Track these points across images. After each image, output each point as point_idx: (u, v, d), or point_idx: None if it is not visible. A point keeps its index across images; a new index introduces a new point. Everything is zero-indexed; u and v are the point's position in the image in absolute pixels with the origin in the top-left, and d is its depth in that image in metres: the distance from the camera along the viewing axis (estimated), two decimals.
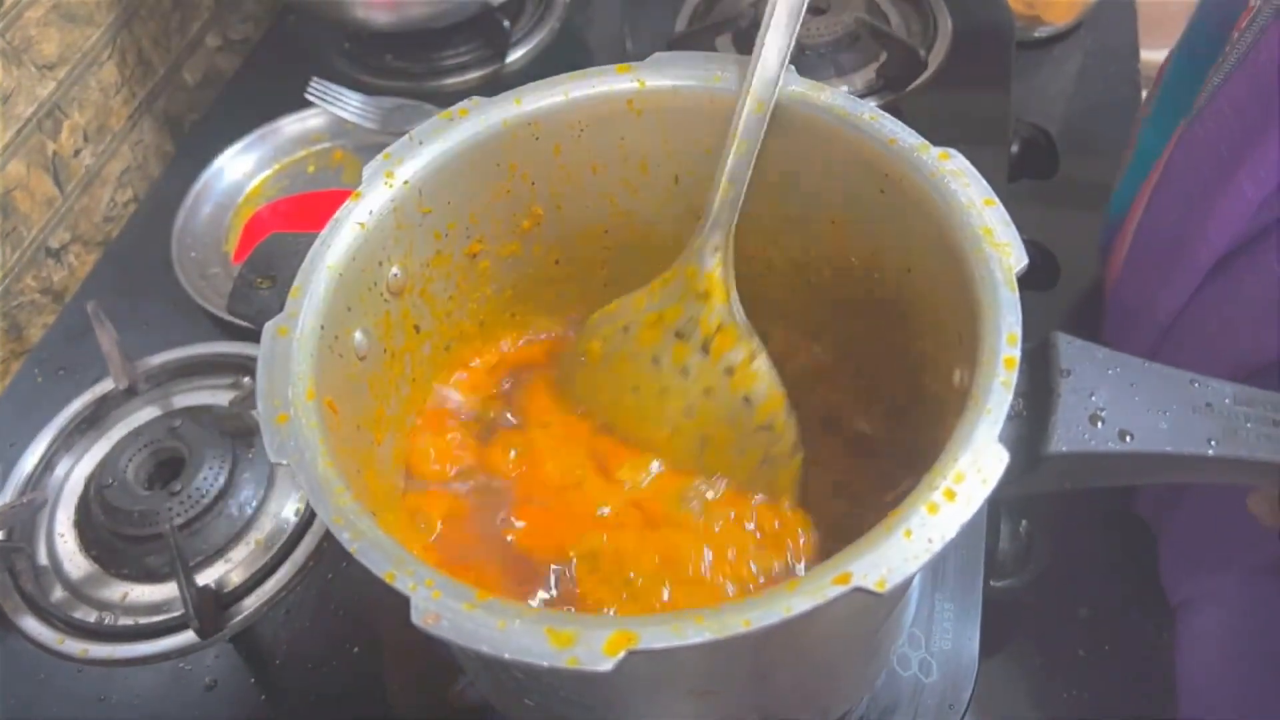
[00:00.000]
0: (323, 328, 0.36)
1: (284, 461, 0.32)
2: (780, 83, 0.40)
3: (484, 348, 0.49)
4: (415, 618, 0.27)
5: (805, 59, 0.76)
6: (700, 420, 0.42)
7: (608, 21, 0.90)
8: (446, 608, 0.27)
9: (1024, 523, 0.54)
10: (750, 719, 0.40)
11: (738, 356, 0.41)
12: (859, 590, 0.27)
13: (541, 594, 0.41)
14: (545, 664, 0.26)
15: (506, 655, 0.26)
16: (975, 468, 0.30)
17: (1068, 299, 0.68)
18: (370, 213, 0.40)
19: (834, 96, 0.40)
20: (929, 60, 0.76)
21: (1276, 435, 0.32)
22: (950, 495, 0.29)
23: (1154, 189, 0.54)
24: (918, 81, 0.75)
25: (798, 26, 0.41)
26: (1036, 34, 0.86)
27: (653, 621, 0.26)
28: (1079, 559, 0.56)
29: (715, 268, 0.41)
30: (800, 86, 0.41)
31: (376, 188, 0.40)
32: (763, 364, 0.41)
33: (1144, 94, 0.81)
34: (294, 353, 0.35)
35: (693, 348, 0.42)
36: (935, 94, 0.75)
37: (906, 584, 0.28)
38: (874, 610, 0.39)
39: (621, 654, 0.26)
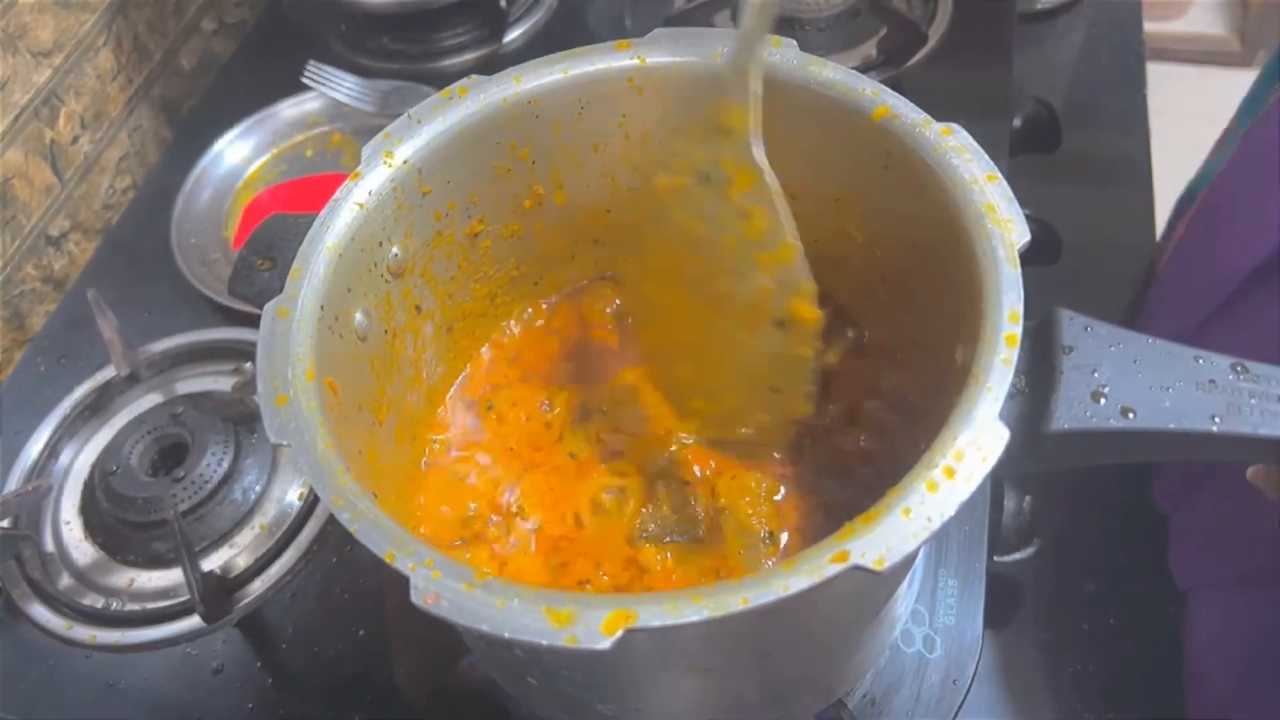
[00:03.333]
0: (322, 308, 0.36)
1: (284, 443, 0.32)
2: None
3: (489, 328, 0.49)
4: (415, 597, 0.27)
5: (805, 34, 0.75)
6: (719, 267, 0.40)
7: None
8: (446, 587, 0.28)
9: (1027, 498, 0.54)
10: (752, 697, 0.40)
11: (751, 200, 0.39)
12: (857, 569, 0.27)
13: None
14: (544, 643, 0.26)
15: (506, 634, 0.26)
16: (975, 445, 0.29)
17: (1070, 275, 0.68)
18: (369, 193, 0.39)
19: (835, 71, 0.40)
20: (929, 34, 0.75)
21: None
22: (950, 473, 0.29)
23: (1227, 166, 0.53)
24: (918, 56, 0.74)
25: None
26: (1039, 6, 0.85)
27: (650, 600, 0.26)
28: (1084, 533, 0.56)
29: (741, 99, 0.38)
30: (801, 61, 0.40)
31: (376, 167, 0.40)
32: (780, 210, 0.38)
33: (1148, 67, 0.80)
34: (294, 334, 0.35)
35: (715, 192, 0.40)
36: (936, 68, 0.74)
37: (906, 562, 0.28)
38: (874, 588, 0.39)
39: (619, 632, 0.26)
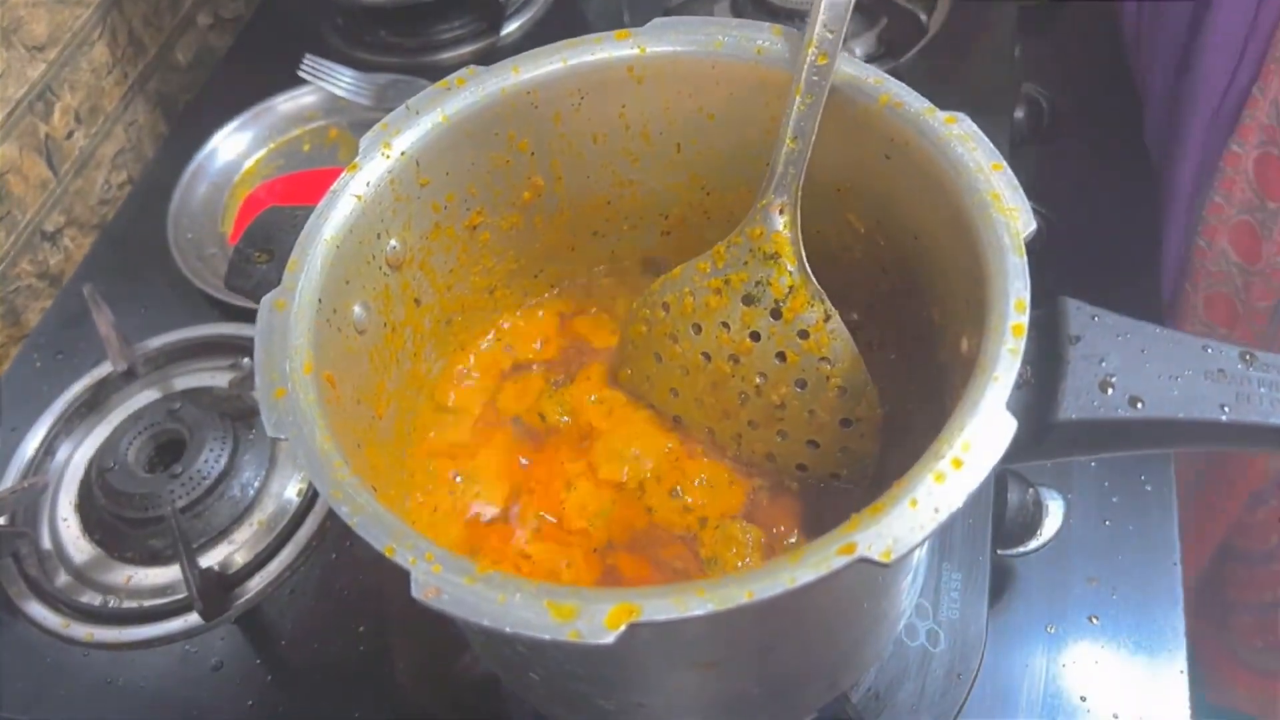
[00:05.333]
0: (320, 301, 0.36)
1: (282, 436, 0.31)
2: (845, 30, 0.39)
3: (487, 321, 0.48)
4: (415, 591, 0.27)
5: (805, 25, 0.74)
6: (775, 385, 0.42)
7: None
8: (447, 581, 0.27)
9: (1031, 490, 0.54)
10: (756, 691, 0.39)
11: (812, 318, 0.40)
12: (864, 560, 0.27)
13: None
14: (547, 637, 0.26)
15: (508, 629, 0.26)
16: (983, 436, 0.29)
17: (1074, 266, 0.68)
18: (367, 184, 0.39)
19: (839, 60, 0.39)
20: (929, 24, 0.75)
21: None
22: (957, 464, 0.29)
23: None
24: (918, 46, 0.74)
25: None
26: None
27: (655, 594, 0.26)
28: (1088, 526, 0.56)
29: (784, 228, 0.40)
30: (801, 49, 0.40)
31: (373, 159, 0.39)
32: (838, 324, 0.40)
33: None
34: (291, 326, 0.34)
35: (763, 312, 0.41)
36: (936, 59, 0.74)
37: (913, 554, 0.27)
38: (880, 580, 0.38)
39: (623, 627, 0.25)
